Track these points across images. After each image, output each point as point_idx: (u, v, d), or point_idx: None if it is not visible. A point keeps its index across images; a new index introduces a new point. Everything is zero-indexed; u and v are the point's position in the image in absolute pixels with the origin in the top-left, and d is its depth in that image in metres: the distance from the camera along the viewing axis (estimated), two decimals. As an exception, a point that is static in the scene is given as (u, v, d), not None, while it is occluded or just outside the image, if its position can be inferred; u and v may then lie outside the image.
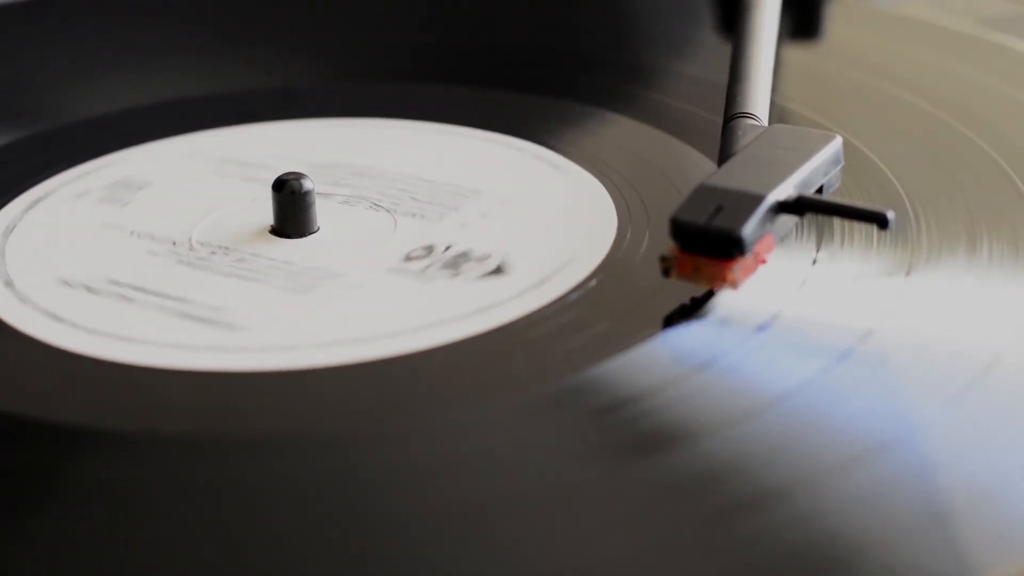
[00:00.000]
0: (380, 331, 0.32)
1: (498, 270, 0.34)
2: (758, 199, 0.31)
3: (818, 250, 0.34)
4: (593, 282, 0.33)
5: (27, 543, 0.27)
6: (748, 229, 0.31)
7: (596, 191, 0.37)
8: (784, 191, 0.32)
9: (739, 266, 0.31)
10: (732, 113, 0.36)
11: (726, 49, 0.41)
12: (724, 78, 0.39)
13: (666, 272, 0.31)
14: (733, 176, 0.32)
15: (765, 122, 0.35)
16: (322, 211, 0.36)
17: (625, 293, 0.33)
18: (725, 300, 0.32)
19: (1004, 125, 0.39)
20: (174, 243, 0.36)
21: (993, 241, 0.34)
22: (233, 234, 0.36)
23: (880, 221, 0.31)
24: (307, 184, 0.35)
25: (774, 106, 0.37)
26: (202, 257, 0.35)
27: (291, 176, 0.36)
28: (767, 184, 0.32)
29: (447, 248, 0.35)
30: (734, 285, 0.31)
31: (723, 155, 0.34)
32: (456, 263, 0.34)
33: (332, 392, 0.30)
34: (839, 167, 0.34)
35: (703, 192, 0.32)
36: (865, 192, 0.36)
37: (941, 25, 0.46)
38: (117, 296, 0.34)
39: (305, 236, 0.36)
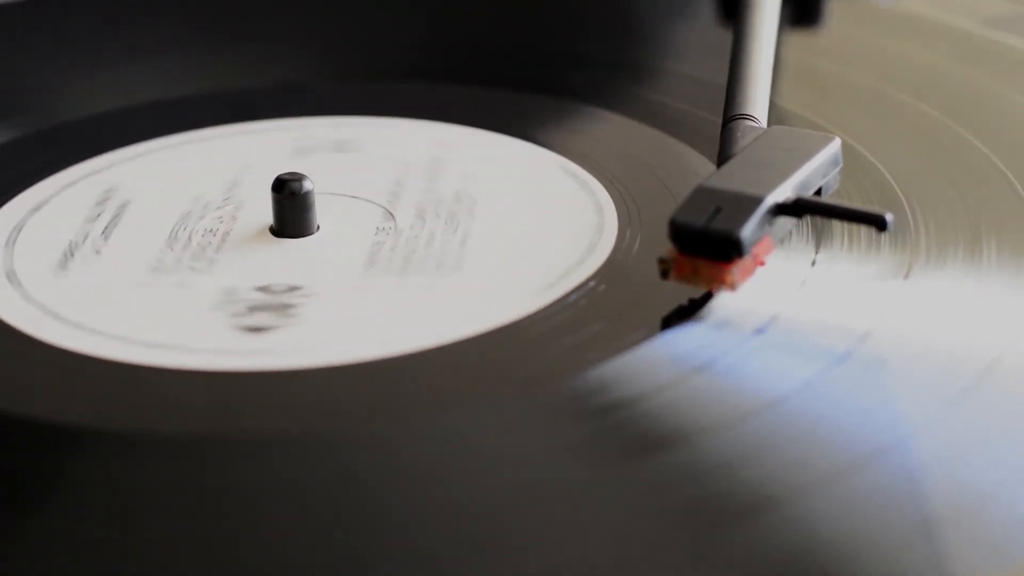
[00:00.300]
0: (380, 331, 0.32)
1: (496, 268, 0.34)
2: (757, 201, 0.31)
3: (817, 252, 0.34)
4: (593, 283, 0.33)
5: (27, 543, 0.27)
6: (747, 231, 0.31)
7: (596, 191, 0.37)
8: (782, 193, 0.32)
9: (738, 268, 0.31)
10: (731, 115, 0.36)
11: (726, 48, 0.41)
12: (724, 78, 0.39)
13: (664, 274, 0.31)
14: (732, 178, 0.32)
15: (764, 123, 0.35)
16: (322, 211, 0.36)
17: (625, 294, 0.33)
18: (724, 302, 0.32)
19: (1004, 126, 0.39)
20: (174, 244, 0.36)
21: (992, 243, 0.34)
22: (233, 235, 0.36)
23: (879, 223, 0.31)
24: (307, 184, 0.35)
25: (773, 106, 0.37)
26: (203, 257, 0.35)
27: (291, 176, 0.36)
28: (765, 186, 0.32)
29: (446, 248, 0.35)
30: (733, 287, 0.31)
31: (722, 157, 0.34)
32: (455, 263, 0.34)
33: (332, 392, 0.30)
34: (838, 169, 0.34)
35: (702, 194, 0.32)
36: (864, 193, 0.36)
37: (941, 24, 0.46)
38: (117, 297, 0.34)
39: (305, 236, 0.36)
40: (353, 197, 0.38)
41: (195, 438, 0.29)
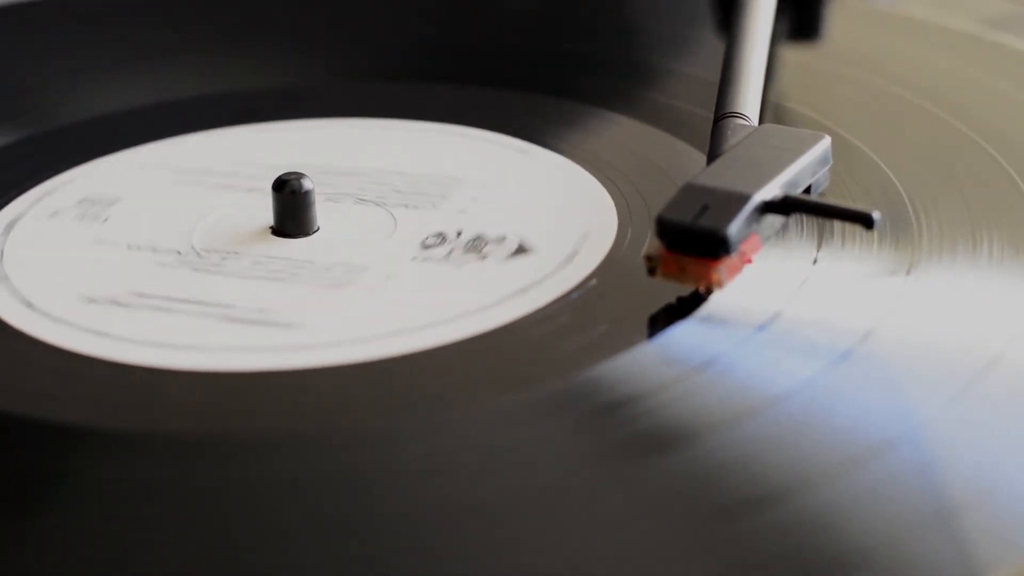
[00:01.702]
0: (379, 331, 0.32)
1: (496, 268, 0.34)
2: (744, 199, 0.31)
3: (819, 250, 0.34)
4: (593, 281, 0.33)
5: (27, 543, 0.27)
6: (733, 228, 0.31)
7: (596, 191, 0.37)
8: (770, 191, 0.32)
9: (724, 266, 0.31)
10: (722, 113, 0.36)
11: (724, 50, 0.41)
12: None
13: (651, 271, 0.31)
14: (720, 175, 0.32)
15: (755, 122, 0.35)
16: (322, 211, 0.36)
17: (625, 293, 0.33)
18: (725, 299, 0.32)
19: (1005, 124, 0.39)
20: (178, 252, 0.36)
21: (993, 240, 0.34)
22: (233, 234, 0.36)
23: (865, 221, 0.31)
24: (307, 184, 0.35)
25: (774, 106, 0.38)
26: (202, 257, 0.35)
27: (291, 176, 0.36)
28: (753, 184, 0.32)
29: (445, 248, 0.35)
30: (719, 285, 0.31)
31: (712, 154, 0.34)
32: (454, 263, 0.34)
33: (332, 392, 0.30)
34: (827, 167, 0.34)
35: (689, 191, 0.32)
36: (866, 192, 0.36)
37: (941, 24, 0.46)
38: (117, 296, 0.34)
39: (305, 236, 0.36)
40: (350, 197, 0.37)
41: (195, 438, 0.29)
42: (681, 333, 0.31)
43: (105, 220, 0.37)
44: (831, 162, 0.34)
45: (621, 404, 0.29)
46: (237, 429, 0.29)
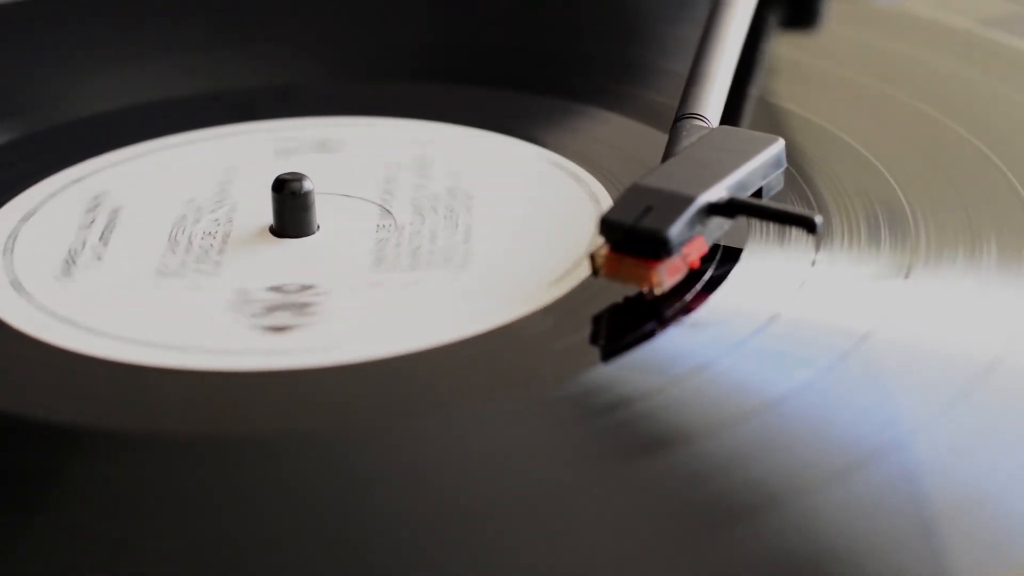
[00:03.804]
0: (380, 331, 0.32)
1: (496, 268, 0.34)
2: (688, 200, 0.31)
3: (817, 252, 0.34)
4: (592, 283, 0.33)
5: (27, 543, 0.27)
6: (674, 230, 0.31)
7: (596, 191, 0.37)
8: (716, 193, 0.32)
9: (664, 267, 0.31)
10: (681, 113, 0.36)
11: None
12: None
13: (595, 271, 0.31)
14: (667, 177, 0.32)
15: (715, 124, 0.36)
16: (322, 211, 0.36)
17: (624, 294, 0.33)
18: (724, 302, 0.32)
19: (1004, 126, 0.39)
20: (175, 247, 0.36)
21: (992, 243, 0.34)
22: (233, 234, 0.36)
23: (808, 225, 0.31)
24: (307, 184, 0.35)
25: (770, 106, 0.38)
26: (207, 259, 0.35)
27: (291, 176, 0.36)
28: (699, 186, 0.32)
29: (446, 249, 0.35)
30: (659, 286, 0.31)
31: (666, 156, 0.34)
32: (456, 263, 0.34)
33: (332, 392, 0.30)
34: (780, 170, 0.34)
35: (635, 192, 0.32)
36: (864, 194, 0.36)
37: (940, 24, 0.46)
38: (117, 296, 0.34)
39: (305, 236, 0.36)
40: (353, 198, 0.37)
41: (195, 438, 0.29)
42: (679, 334, 0.31)
43: (111, 217, 0.37)
44: (784, 165, 0.34)
45: (617, 406, 0.29)
46: (236, 429, 0.29)
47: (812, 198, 0.36)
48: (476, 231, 0.36)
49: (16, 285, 0.34)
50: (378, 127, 0.41)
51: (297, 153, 0.40)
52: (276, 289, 0.34)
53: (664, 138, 0.36)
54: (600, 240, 0.32)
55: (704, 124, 0.35)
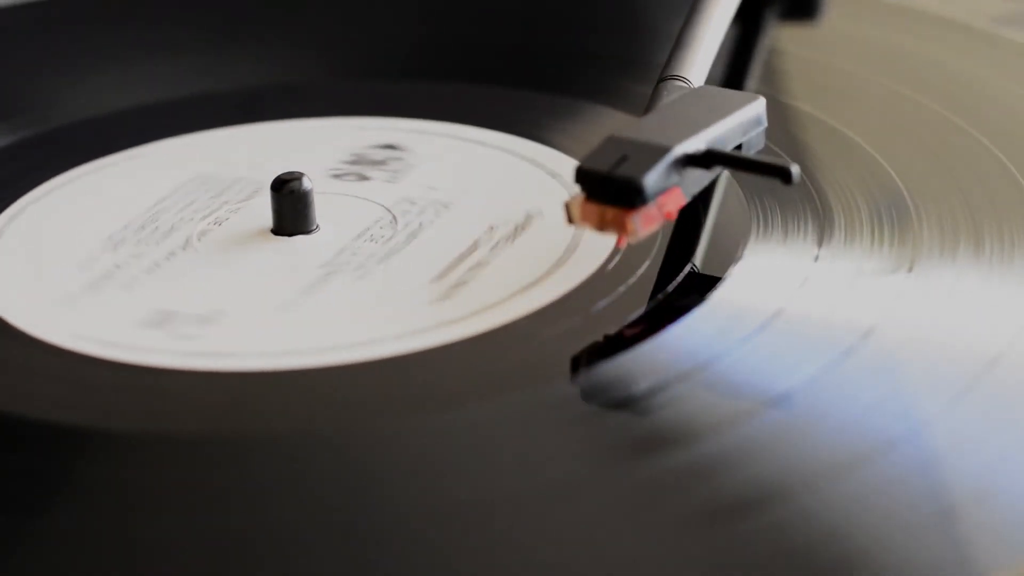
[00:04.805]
0: (380, 331, 0.32)
1: (497, 270, 0.34)
2: (664, 150, 0.31)
3: (820, 247, 0.34)
4: (592, 282, 0.33)
5: (28, 543, 0.27)
6: (650, 178, 0.31)
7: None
8: (693, 145, 0.32)
9: (640, 215, 0.31)
10: (664, 75, 0.36)
11: (725, 45, 0.41)
12: (723, 75, 0.39)
13: (570, 219, 0.31)
14: (644, 129, 0.32)
15: (696, 84, 0.36)
16: (322, 210, 0.36)
17: (624, 293, 0.33)
18: (727, 297, 0.32)
19: (1007, 121, 0.39)
20: (173, 244, 0.36)
21: (995, 238, 0.34)
22: (233, 234, 0.36)
23: (783, 175, 0.31)
24: (306, 183, 0.35)
25: (772, 100, 0.37)
26: (202, 256, 0.35)
27: (291, 176, 0.36)
28: (676, 137, 0.32)
29: (447, 248, 0.35)
30: (633, 234, 0.31)
31: (645, 113, 0.34)
32: (455, 262, 0.34)
33: (332, 392, 0.30)
34: (761, 128, 0.34)
35: (611, 143, 0.32)
36: (866, 189, 0.36)
37: (943, 19, 0.46)
38: (117, 296, 0.34)
39: (304, 235, 0.36)
40: (350, 197, 0.37)
41: (195, 438, 0.29)
42: (682, 331, 0.31)
43: (113, 214, 0.37)
44: (765, 124, 0.34)
45: (621, 404, 0.29)
46: (238, 429, 0.29)
47: (814, 192, 0.36)
48: (476, 231, 0.36)
49: (11, 285, 0.34)
50: (386, 126, 0.41)
51: (309, 152, 0.40)
52: (253, 277, 0.34)
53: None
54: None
55: (686, 85, 0.35)
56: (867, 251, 0.33)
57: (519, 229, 0.36)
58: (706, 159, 0.32)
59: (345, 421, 0.30)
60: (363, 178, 0.38)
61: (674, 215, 0.32)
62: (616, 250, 0.34)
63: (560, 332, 0.32)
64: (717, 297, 0.32)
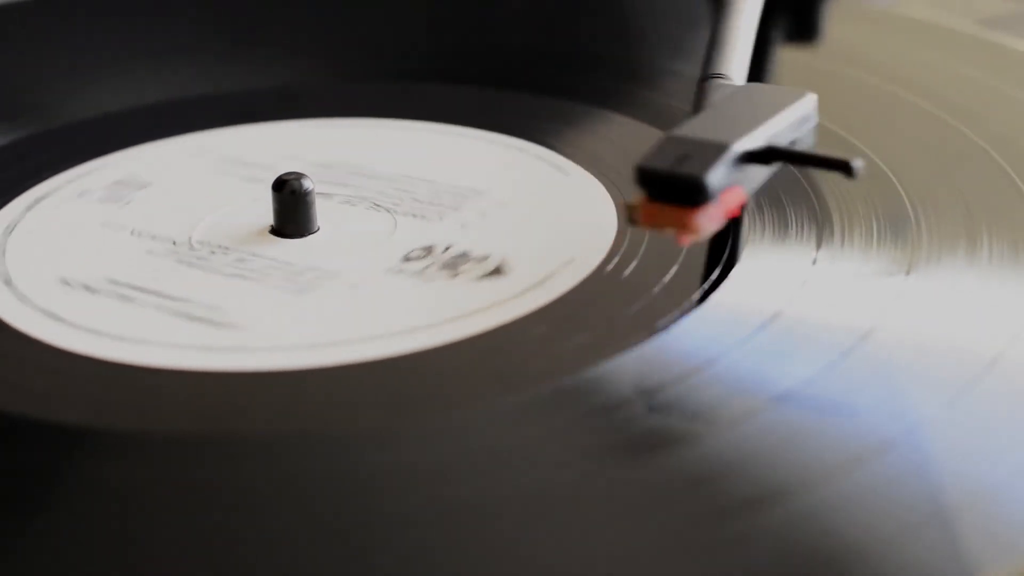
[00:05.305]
0: (380, 331, 0.32)
1: (497, 270, 0.34)
2: (723, 147, 0.31)
3: (818, 250, 0.34)
4: (593, 282, 0.33)
5: (27, 543, 0.27)
6: (712, 175, 0.31)
7: (596, 191, 0.37)
8: (752, 141, 0.32)
9: (704, 214, 0.31)
10: (706, 74, 0.36)
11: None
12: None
13: (632, 220, 0.31)
14: (700, 127, 0.32)
15: (740, 82, 0.36)
16: (322, 211, 0.36)
17: (624, 294, 0.33)
18: (725, 299, 0.32)
19: (1004, 124, 0.39)
20: (174, 243, 0.36)
21: (993, 240, 0.34)
22: (233, 234, 0.36)
23: (846, 169, 0.31)
24: (307, 184, 0.35)
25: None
26: (202, 257, 0.35)
27: (291, 176, 0.36)
28: (733, 134, 0.32)
29: (446, 248, 0.35)
30: (699, 232, 0.31)
31: (695, 112, 0.34)
32: (455, 263, 0.34)
33: (332, 392, 0.30)
34: (812, 125, 0.34)
35: (670, 142, 0.32)
36: (865, 193, 0.36)
37: (940, 24, 0.46)
38: (116, 296, 0.34)
39: (305, 236, 0.36)
40: (352, 197, 0.38)
41: (195, 438, 0.29)
42: (681, 333, 0.31)
43: (126, 204, 0.37)
44: (816, 120, 0.34)
45: (620, 404, 0.29)
46: (236, 429, 0.29)
47: (813, 196, 0.36)
48: (477, 232, 0.36)
49: (9, 283, 0.34)
50: (388, 128, 0.41)
51: (311, 154, 0.40)
52: (252, 277, 0.34)
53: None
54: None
55: (730, 83, 0.35)
56: (865, 253, 0.34)
57: (519, 229, 0.36)
58: (766, 155, 0.32)
59: (344, 421, 0.30)
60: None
61: (737, 213, 0.32)
62: (616, 250, 0.34)
63: (559, 333, 0.32)
64: (716, 298, 0.32)
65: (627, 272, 0.34)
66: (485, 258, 0.35)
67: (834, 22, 0.47)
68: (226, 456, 0.29)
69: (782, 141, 0.33)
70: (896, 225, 0.34)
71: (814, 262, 0.33)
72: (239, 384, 0.31)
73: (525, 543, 0.26)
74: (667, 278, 0.33)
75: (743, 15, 0.39)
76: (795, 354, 0.30)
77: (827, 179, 0.36)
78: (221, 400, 0.30)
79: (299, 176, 0.36)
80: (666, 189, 0.31)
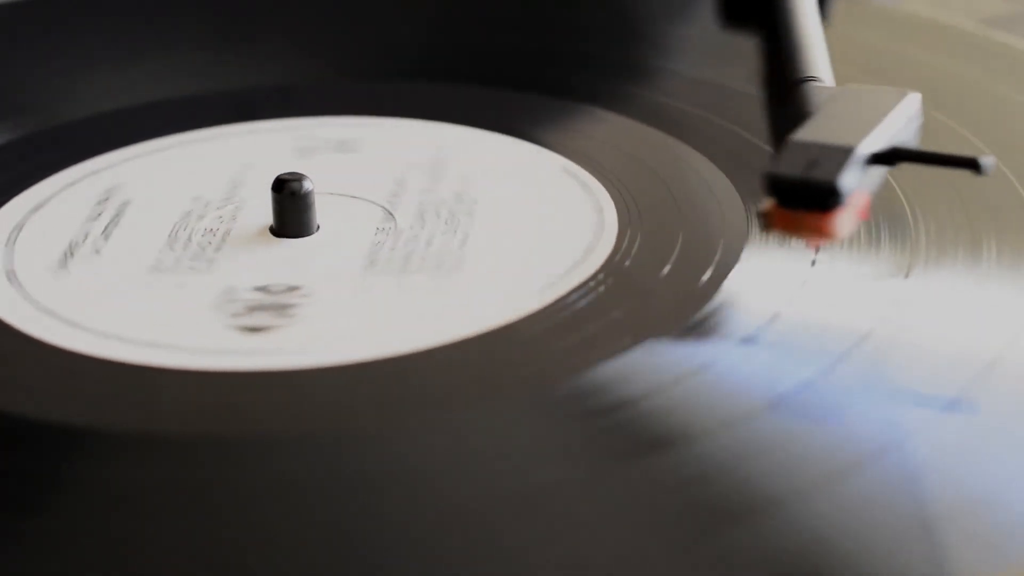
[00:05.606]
0: (379, 331, 0.32)
1: (495, 271, 0.34)
2: (849, 150, 0.31)
3: (817, 251, 0.34)
4: (592, 283, 0.33)
5: (27, 543, 0.27)
6: (845, 179, 0.31)
7: (596, 191, 0.37)
8: (876, 142, 0.32)
9: (839, 217, 0.31)
10: (798, 77, 0.36)
11: (726, 48, 0.41)
12: (722, 76, 0.39)
13: (766, 227, 0.31)
14: (820, 131, 0.32)
15: (831, 83, 0.35)
16: (322, 211, 0.36)
17: (624, 294, 0.33)
18: (724, 300, 0.32)
19: (1004, 125, 0.39)
20: (175, 243, 0.36)
21: (993, 243, 0.34)
22: (233, 235, 0.36)
23: (974, 166, 0.31)
24: (307, 185, 0.35)
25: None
26: (202, 257, 0.35)
27: (291, 176, 0.36)
28: (855, 136, 0.32)
29: (444, 249, 0.35)
30: (835, 237, 0.31)
31: (800, 116, 0.34)
32: (454, 263, 0.34)
33: (332, 392, 0.30)
34: (917, 124, 0.34)
35: (795, 147, 0.32)
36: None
37: (940, 23, 0.46)
38: (117, 296, 0.34)
39: (305, 236, 0.36)
40: (353, 197, 0.38)
41: (195, 438, 0.29)
42: (676, 337, 0.31)
43: (126, 204, 0.37)
44: (921, 120, 0.34)
45: (618, 406, 0.29)
46: (234, 430, 0.29)
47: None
48: (477, 232, 0.36)
49: (11, 276, 0.34)
50: (393, 128, 0.41)
51: (315, 152, 0.40)
52: (262, 289, 0.34)
53: (667, 139, 0.36)
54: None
55: (823, 84, 0.35)
56: (865, 255, 0.34)
57: (520, 229, 0.36)
58: (890, 156, 0.32)
59: (343, 422, 0.30)
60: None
61: (867, 215, 0.32)
62: (617, 250, 0.34)
63: (559, 333, 0.32)
64: (716, 299, 0.32)
65: (626, 273, 0.33)
66: (484, 258, 0.35)
67: (834, 20, 0.47)
68: (226, 456, 0.29)
69: (897, 141, 0.33)
70: (895, 227, 0.34)
71: (813, 263, 0.33)
72: (239, 384, 0.31)
73: (523, 544, 0.26)
74: (666, 278, 0.33)
75: (807, 15, 0.39)
76: (793, 356, 0.30)
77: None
78: (221, 400, 0.30)
79: (299, 177, 0.36)
80: (798, 195, 0.31)
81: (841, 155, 0.31)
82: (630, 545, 0.26)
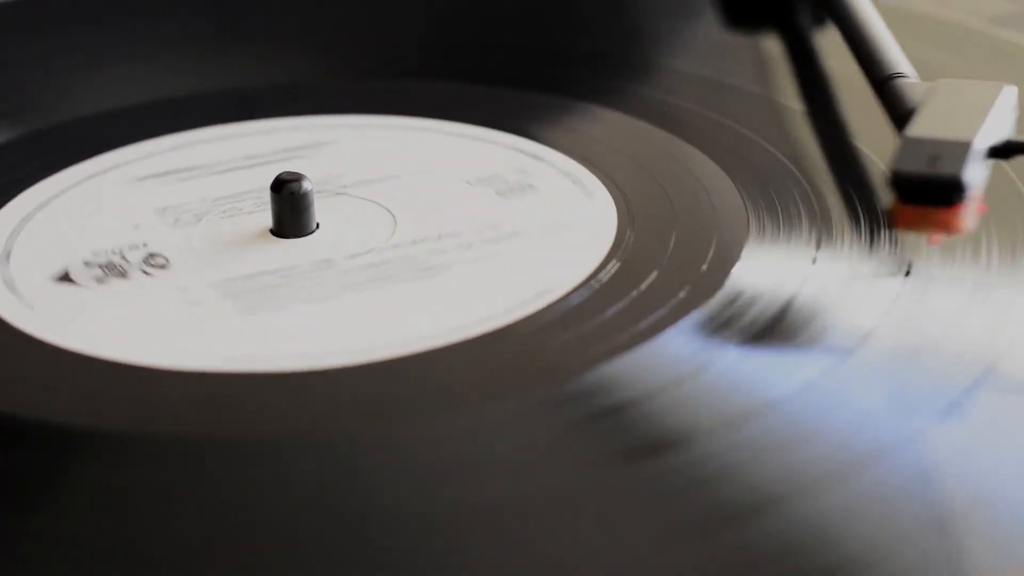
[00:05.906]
0: (379, 332, 0.32)
1: (495, 270, 0.34)
2: (967, 144, 0.31)
3: (818, 250, 0.34)
4: (592, 283, 0.33)
5: (27, 543, 0.27)
6: (967, 173, 0.31)
7: (596, 191, 0.37)
8: (990, 136, 0.32)
9: (963, 211, 0.31)
10: (886, 75, 0.36)
11: (727, 47, 0.41)
12: (722, 75, 0.39)
13: (891, 224, 0.32)
14: (932, 127, 0.32)
15: (916, 78, 0.36)
16: (322, 211, 0.36)
17: (624, 294, 0.33)
18: (724, 300, 0.32)
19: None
20: (175, 243, 0.36)
21: (993, 242, 0.34)
22: (233, 235, 0.36)
23: None
24: (306, 185, 0.35)
25: (775, 104, 0.38)
26: (202, 258, 0.35)
27: (290, 177, 0.36)
28: (968, 130, 0.32)
29: (444, 248, 0.35)
30: (959, 231, 0.31)
31: (898, 113, 0.34)
32: (453, 263, 0.34)
33: (332, 392, 0.30)
34: (1015, 117, 0.34)
35: (913, 143, 0.32)
36: (868, 191, 0.36)
37: (943, 21, 0.46)
38: (117, 296, 0.34)
39: (304, 236, 0.36)
40: (353, 197, 0.38)
41: (195, 438, 0.29)
42: (678, 336, 0.31)
43: (126, 204, 0.37)
44: (1018, 113, 0.34)
45: (618, 406, 0.29)
46: (235, 430, 0.29)
47: (812, 196, 0.36)
48: (477, 232, 0.36)
49: (12, 277, 0.34)
50: (389, 126, 0.41)
51: (308, 151, 0.40)
52: (252, 277, 0.34)
53: (668, 138, 0.36)
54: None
55: (913, 80, 0.36)
56: (865, 254, 0.34)
57: (520, 229, 0.36)
58: (1005, 150, 0.32)
59: (344, 422, 0.30)
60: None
61: (985, 208, 0.32)
62: (617, 249, 0.34)
63: (558, 333, 0.32)
64: (715, 299, 0.32)
65: (626, 272, 0.33)
66: (483, 257, 0.35)
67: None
68: (226, 456, 0.29)
69: (999, 133, 0.33)
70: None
71: (814, 262, 0.33)
72: (239, 384, 0.31)
73: (523, 543, 0.26)
74: (666, 277, 0.33)
75: (869, 13, 0.39)
76: (794, 356, 0.30)
77: (827, 179, 0.36)
78: (221, 400, 0.30)
79: (298, 177, 0.36)
80: (921, 191, 0.31)
81: (961, 149, 0.31)
82: (630, 545, 0.26)
